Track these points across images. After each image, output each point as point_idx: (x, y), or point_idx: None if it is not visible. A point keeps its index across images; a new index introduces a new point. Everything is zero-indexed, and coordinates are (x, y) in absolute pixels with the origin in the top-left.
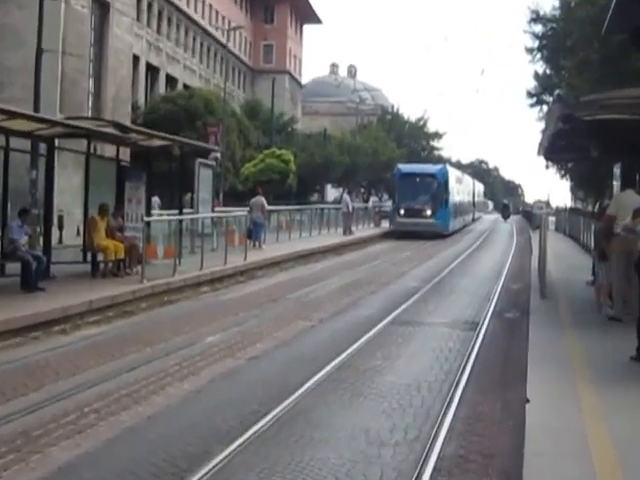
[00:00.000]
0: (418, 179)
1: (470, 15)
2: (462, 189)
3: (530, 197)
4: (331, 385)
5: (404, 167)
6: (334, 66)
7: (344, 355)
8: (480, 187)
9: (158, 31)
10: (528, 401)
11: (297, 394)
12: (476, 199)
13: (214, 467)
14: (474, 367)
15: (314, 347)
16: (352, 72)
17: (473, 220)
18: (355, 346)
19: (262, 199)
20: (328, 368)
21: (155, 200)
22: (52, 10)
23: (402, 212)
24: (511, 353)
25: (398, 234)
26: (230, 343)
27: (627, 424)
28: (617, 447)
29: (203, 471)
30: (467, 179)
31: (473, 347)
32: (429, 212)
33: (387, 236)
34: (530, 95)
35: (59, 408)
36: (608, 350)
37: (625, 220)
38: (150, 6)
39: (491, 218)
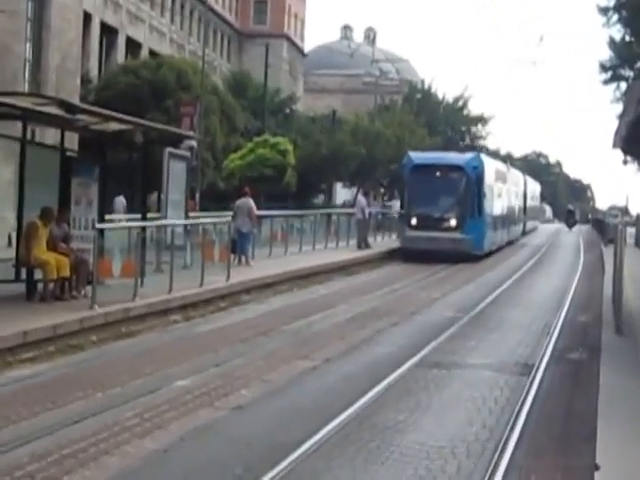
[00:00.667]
0: (438, 173)
1: None
2: (507, 190)
3: (602, 202)
4: (339, 445)
5: (417, 156)
6: (347, 29)
7: (356, 406)
8: (535, 187)
9: None
10: (598, 468)
11: (294, 456)
12: (529, 203)
13: None
14: (527, 423)
15: (317, 395)
16: (370, 37)
17: (524, 233)
18: (371, 394)
19: (250, 202)
20: (335, 423)
21: (120, 201)
22: None
23: (414, 222)
24: (576, 405)
25: (407, 253)
26: (207, 389)
27: None
28: None
29: None
30: (515, 175)
31: (526, 397)
32: (454, 223)
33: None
34: (604, 69)
35: None
36: None
37: None
38: None
39: (550, 229)
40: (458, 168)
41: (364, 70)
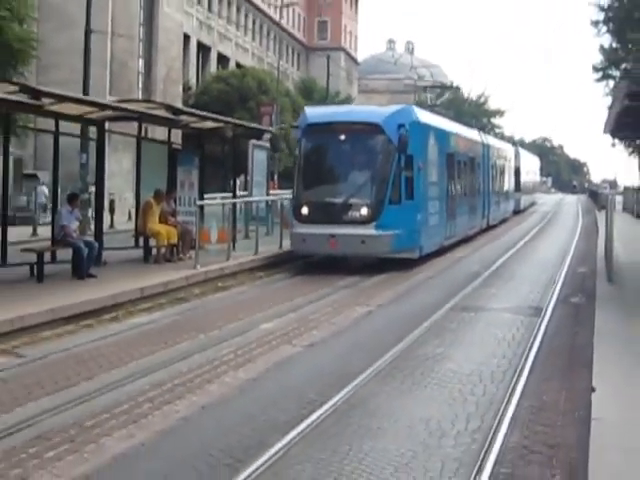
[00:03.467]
0: (343, 137)
1: None
2: (481, 163)
3: (596, 176)
4: (390, 373)
5: (314, 113)
6: (391, 42)
7: (403, 342)
8: (532, 161)
9: (209, 9)
10: (594, 390)
11: (355, 382)
12: (524, 178)
13: (270, 458)
14: (538, 355)
15: (373, 334)
16: (409, 48)
17: (517, 212)
18: (415, 333)
19: None
20: (387, 356)
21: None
22: None
23: (305, 212)
24: (576, 340)
25: (302, 260)
26: (286, 330)
27: None
28: None
29: (259, 462)
30: (497, 148)
31: (537, 334)
32: (365, 211)
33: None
34: (596, 70)
35: (111, 398)
36: None
37: None
38: None
39: (550, 200)
40: (373, 128)
41: (405, 75)
